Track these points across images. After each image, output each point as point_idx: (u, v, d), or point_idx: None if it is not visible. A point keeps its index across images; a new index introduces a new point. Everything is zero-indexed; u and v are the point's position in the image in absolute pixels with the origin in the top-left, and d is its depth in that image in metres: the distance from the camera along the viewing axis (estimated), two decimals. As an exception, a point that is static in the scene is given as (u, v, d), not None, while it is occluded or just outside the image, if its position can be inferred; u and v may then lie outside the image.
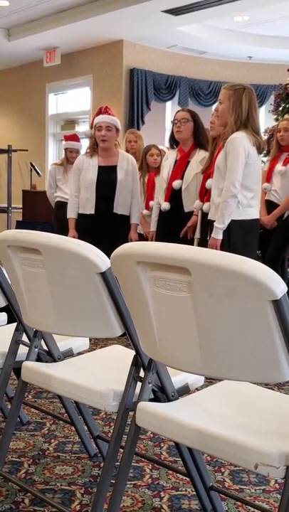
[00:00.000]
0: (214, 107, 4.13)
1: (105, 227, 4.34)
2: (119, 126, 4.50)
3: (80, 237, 4.32)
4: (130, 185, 4.47)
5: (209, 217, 3.64)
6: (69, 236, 4.26)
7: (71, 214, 4.49)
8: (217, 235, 3.45)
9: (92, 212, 4.36)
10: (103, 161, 4.40)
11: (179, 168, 4.21)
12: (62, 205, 5.46)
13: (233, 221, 3.45)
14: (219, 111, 3.60)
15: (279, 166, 4.76)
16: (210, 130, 4.01)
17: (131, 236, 4.53)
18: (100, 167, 4.38)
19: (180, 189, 4.18)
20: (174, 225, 4.22)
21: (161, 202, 4.31)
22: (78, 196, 4.44)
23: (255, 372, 1.37)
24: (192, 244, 4.07)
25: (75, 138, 5.83)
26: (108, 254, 1.59)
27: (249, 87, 3.52)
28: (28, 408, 2.86)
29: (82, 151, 5.58)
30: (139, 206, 4.58)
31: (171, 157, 4.32)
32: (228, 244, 3.44)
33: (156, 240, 4.41)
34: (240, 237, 3.49)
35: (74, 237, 4.24)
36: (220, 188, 3.48)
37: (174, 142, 4.36)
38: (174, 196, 4.21)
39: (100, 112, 4.43)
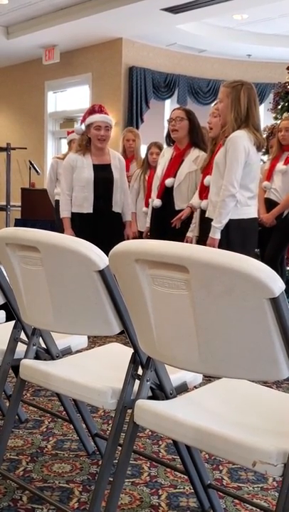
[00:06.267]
0: (211, 107, 4.09)
1: (103, 226, 4.33)
2: (113, 124, 4.52)
3: (77, 237, 4.31)
4: (124, 184, 4.50)
5: (207, 214, 3.64)
6: None
7: (65, 213, 4.41)
8: (215, 234, 3.45)
9: (90, 211, 4.34)
10: (96, 160, 4.39)
11: (173, 167, 4.22)
12: None
13: (231, 220, 3.45)
14: (219, 110, 3.59)
15: (280, 165, 4.77)
16: (208, 131, 4.00)
17: (128, 233, 4.56)
18: (94, 165, 4.36)
19: (172, 187, 4.19)
20: (165, 222, 4.21)
21: (153, 199, 4.34)
22: (70, 195, 4.39)
23: (254, 370, 1.37)
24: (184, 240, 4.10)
25: None
26: (106, 253, 1.59)
27: (248, 83, 3.49)
28: (27, 406, 2.86)
29: None
30: (129, 203, 4.64)
31: (167, 154, 4.33)
32: (226, 243, 3.44)
33: (150, 237, 4.42)
34: (238, 237, 3.49)
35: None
36: (218, 186, 3.48)
37: (170, 140, 4.36)
38: (166, 194, 4.23)
39: (94, 111, 4.36)
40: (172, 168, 4.21)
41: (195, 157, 4.15)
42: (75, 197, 4.37)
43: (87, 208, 4.35)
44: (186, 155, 4.22)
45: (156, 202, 4.28)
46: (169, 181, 4.20)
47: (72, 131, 5.67)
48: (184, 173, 4.16)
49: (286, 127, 4.76)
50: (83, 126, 4.42)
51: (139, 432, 2.54)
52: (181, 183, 4.16)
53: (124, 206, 4.53)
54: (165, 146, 4.51)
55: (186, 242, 4.07)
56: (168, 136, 4.36)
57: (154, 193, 4.36)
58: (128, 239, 4.52)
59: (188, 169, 4.14)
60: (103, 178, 4.35)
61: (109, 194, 4.38)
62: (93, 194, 4.33)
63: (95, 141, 4.34)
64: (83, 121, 4.41)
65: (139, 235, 4.89)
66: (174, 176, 4.19)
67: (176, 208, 4.18)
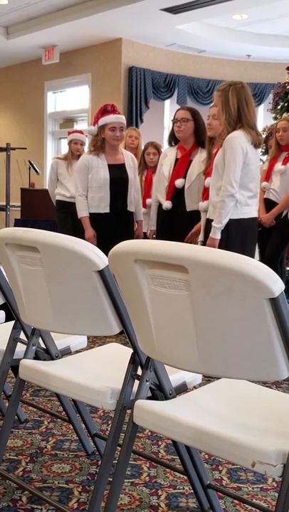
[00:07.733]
0: (209, 109, 4.06)
1: (119, 225, 4.34)
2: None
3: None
4: (137, 183, 4.51)
5: (208, 215, 3.64)
6: (87, 236, 4.25)
7: (84, 213, 4.37)
8: (215, 234, 3.45)
9: (108, 210, 4.34)
10: (111, 160, 4.38)
11: (182, 167, 4.16)
12: (63, 205, 5.41)
13: (231, 220, 3.44)
14: (216, 114, 3.61)
15: (278, 165, 4.77)
16: (208, 131, 3.99)
17: (140, 232, 4.58)
18: (109, 165, 4.35)
19: (182, 188, 4.14)
20: (174, 224, 4.18)
21: (161, 200, 4.28)
22: (86, 195, 4.37)
23: (253, 370, 1.36)
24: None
25: (79, 131, 5.74)
26: None
27: (238, 83, 3.44)
28: (26, 406, 2.86)
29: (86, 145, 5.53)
30: (141, 203, 4.65)
31: (170, 155, 4.27)
32: (226, 243, 3.44)
33: (157, 239, 4.39)
34: (238, 236, 3.49)
35: (94, 236, 4.25)
36: (218, 187, 3.48)
37: (173, 140, 4.33)
38: (176, 195, 4.18)
39: (106, 111, 4.30)
40: (181, 169, 4.16)
41: (204, 158, 4.11)
42: (92, 197, 4.35)
43: (104, 207, 4.34)
44: (193, 155, 4.18)
45: (167, 204, 4.21)
46: (179, 182, 4.14)
47: (73, 132, 5.66)
48: (194, 174, 4.11)
49: (284, 127, 4.76)
50: (96, 127, 4.37)
51: (139, 432, 2.54)
52: (192, 184, 4.12)
53: (137, 205, 4.55)
54: (166, 145, 4.48)
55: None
56: (172, 135, 4.33)
57: (160, 194, 4.30)
58: (140, 238, 4.52)
59: (198, 170, 4.10)
60: (119, 177, 4.36)
61: (125, 193, 4.40)
62: (109, 194, 4.33)
63: (110, 141, 4.32)
64: (96, 121, 4.36)
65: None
66: (184, 177, 4.15)
67: (188, 209, 4.13)
